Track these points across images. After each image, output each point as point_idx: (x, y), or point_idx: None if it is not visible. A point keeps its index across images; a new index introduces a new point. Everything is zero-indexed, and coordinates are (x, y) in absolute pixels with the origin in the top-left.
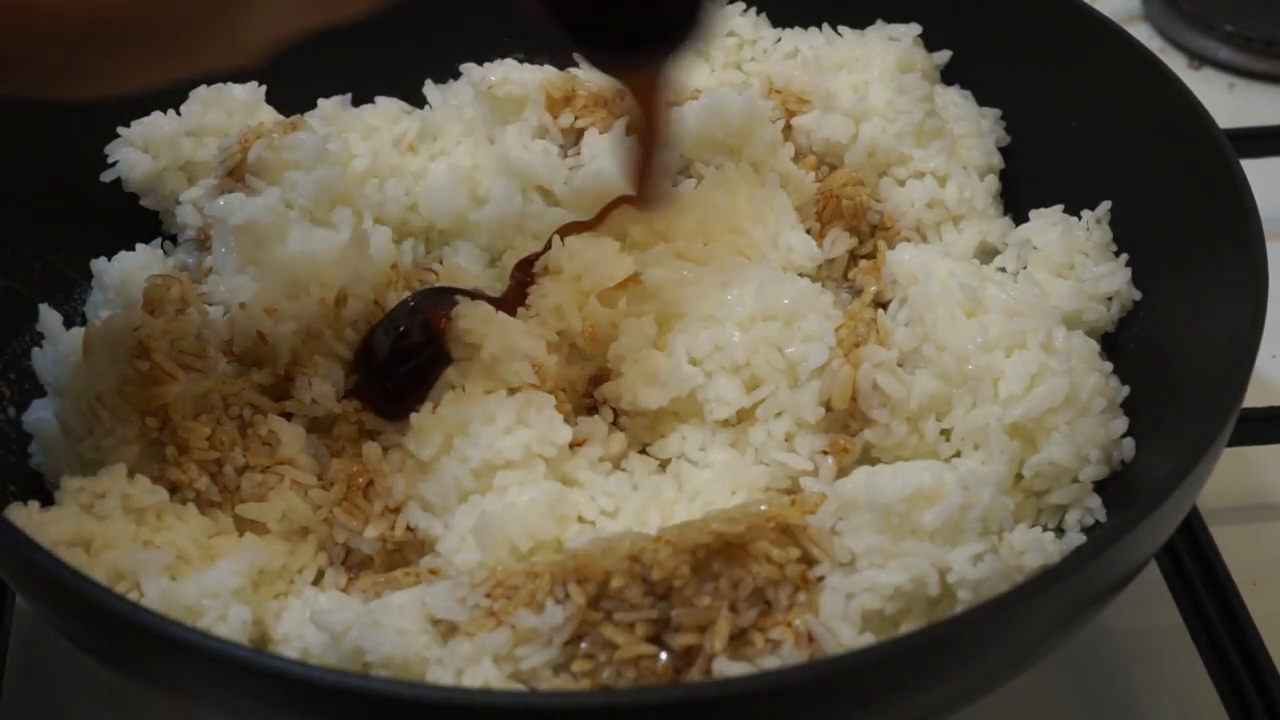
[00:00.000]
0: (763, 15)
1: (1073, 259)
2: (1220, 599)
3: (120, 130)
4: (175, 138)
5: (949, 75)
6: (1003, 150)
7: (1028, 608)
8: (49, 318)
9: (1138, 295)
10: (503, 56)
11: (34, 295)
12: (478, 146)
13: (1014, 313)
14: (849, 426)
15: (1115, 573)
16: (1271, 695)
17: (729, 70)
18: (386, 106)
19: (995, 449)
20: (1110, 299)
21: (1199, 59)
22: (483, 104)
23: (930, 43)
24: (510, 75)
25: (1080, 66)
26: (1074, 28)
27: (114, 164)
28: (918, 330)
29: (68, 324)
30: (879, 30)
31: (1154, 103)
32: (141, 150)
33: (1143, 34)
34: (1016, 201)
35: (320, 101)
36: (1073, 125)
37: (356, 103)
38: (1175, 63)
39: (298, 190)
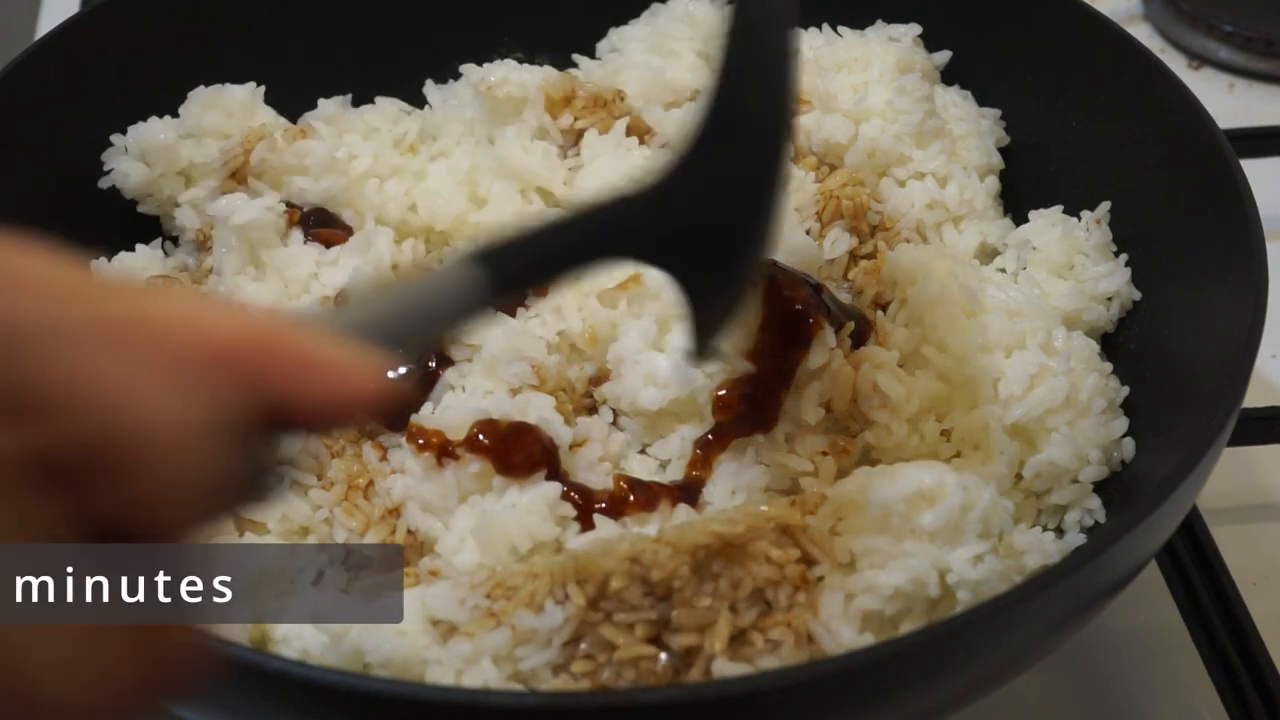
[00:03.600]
0: None
1: (1072, 259)
2: (1220, 599)
3: (113, 139)
4: (171, 144)
5: (949, 75)
6: (1003, 150)
7: (1027, 608)
8: None
9: (1137, 295)
10: (503, 56)
11: None
12: (477, 147)
13: (1014, 314)
14: (849, 428)
15: (1115, 573)
16: (1271, 695)
17: None
18: (386, 107)
19: (995, 450)
20: (1110, 299)
21: (1199, 59)
22: (483, 104)
23: (930, 43)
24: (510, 75)
25: (1080, 66)
26: (1074, 28)
27: (109, 172)
28: (917, 331)
29: None
30: (879, 30)
31: (1154, 103)
32: (138, 158)
33: (1143, 34)
34: (1016, 201)
35: (320, 101)
36: (1073, 125)
37: (356, 103)
38: (1175, 63)
39: (304, 197)
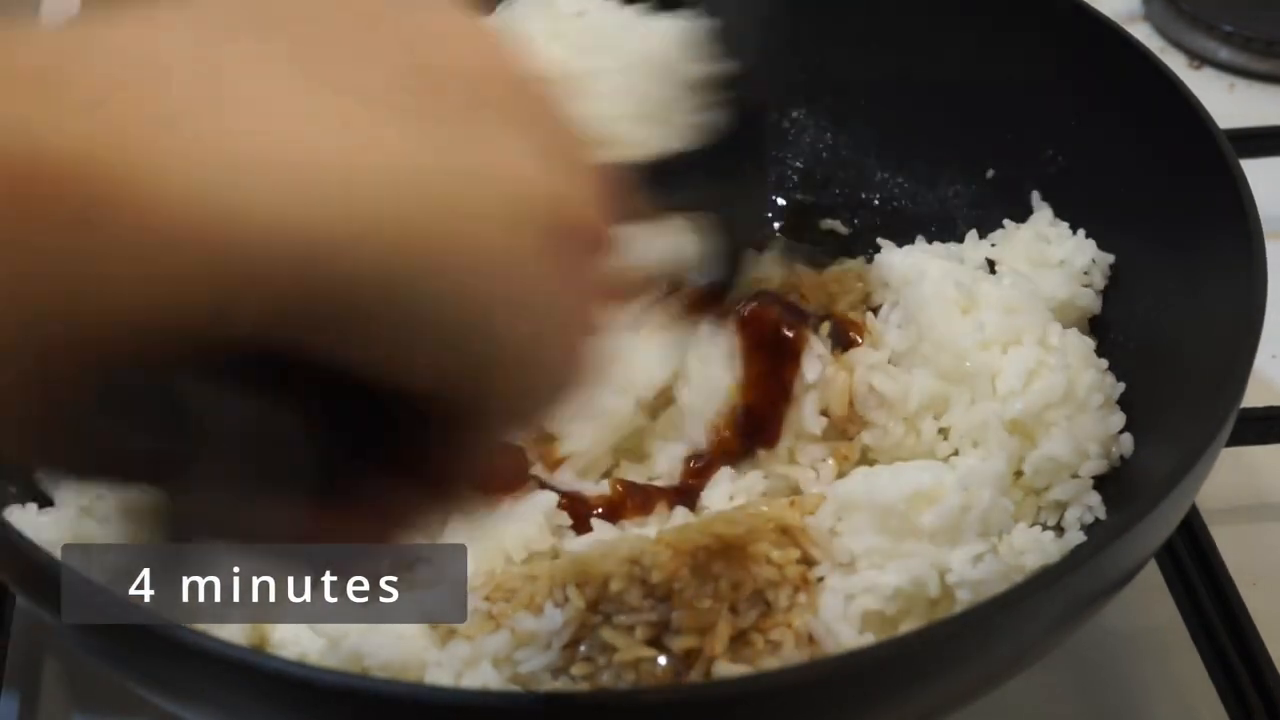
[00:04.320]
0: None
1: (1040, 250)
2: (1220, 599)
3: None
4: None
5: None
6: None
7: (1027, 607)
8: None
9: (1111, 258)
10: None
11: None
12: None
13: (1010, 309)
14: (847, 431)
15: (1115, 572)
16: (1271, 695)
17: None
18: None
19: (994, 446)
20: (1087, 272)
21: (1199, 59)
22: None
23: None
24: None
25: (1080, 66)
26: (1074, 28)
27: None
28: (912, 331)
29: None
30: None
31: (1154, 103)
32: None
33: (1143, 34)
34: (1017, 201)
35: None
36: (1072, 125)
37: None
38: (1175, 63)
39: None
